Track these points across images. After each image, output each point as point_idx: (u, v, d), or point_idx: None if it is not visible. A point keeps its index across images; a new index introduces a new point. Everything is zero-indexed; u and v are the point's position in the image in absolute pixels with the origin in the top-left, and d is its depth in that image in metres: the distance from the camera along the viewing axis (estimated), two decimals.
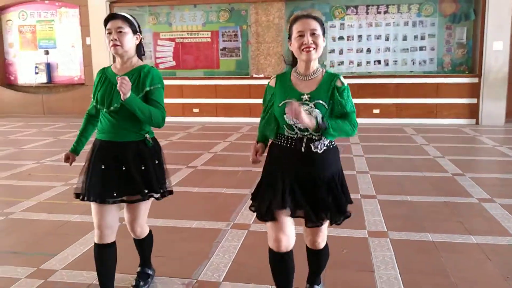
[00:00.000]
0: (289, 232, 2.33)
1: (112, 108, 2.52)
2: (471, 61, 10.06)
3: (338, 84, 2.29)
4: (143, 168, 2.58)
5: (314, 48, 2.24)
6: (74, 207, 4.59)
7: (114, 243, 2.63)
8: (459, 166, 6.06)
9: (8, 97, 12.36)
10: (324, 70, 2.36)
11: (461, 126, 9.57)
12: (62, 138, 8.92)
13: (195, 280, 3.05)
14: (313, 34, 2.23)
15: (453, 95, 9.93)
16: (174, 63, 11.55)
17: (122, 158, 2.56)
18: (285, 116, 2.26)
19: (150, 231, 2.95)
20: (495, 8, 9.42)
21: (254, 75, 10.88)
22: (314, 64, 2.32)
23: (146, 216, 2.82)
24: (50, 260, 3.39)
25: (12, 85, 12.52)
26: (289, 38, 2.33)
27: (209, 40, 11.31)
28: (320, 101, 2.25)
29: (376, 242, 3.61)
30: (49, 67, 12.22)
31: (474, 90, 9.81)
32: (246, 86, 10.72)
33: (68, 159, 2.74)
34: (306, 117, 2.12)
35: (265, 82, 2.57)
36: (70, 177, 5.64)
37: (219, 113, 10.91)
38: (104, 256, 2.61)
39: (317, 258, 2.60)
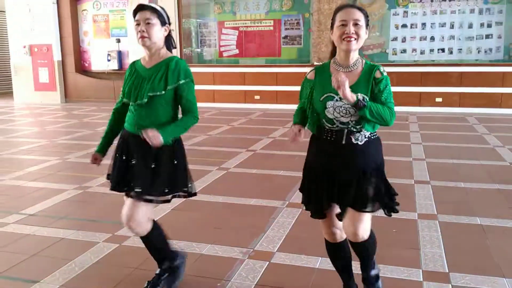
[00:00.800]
0: (340, 225, 2.42)
1: (139, 102, 2.49)
2: None
3: (377, 75, 2.25)
4: (153, 166, 2.52)
5: (355, 39, 2.20)
6: None
7: (150, 233, 2.66)
8: None
9: (83, 83, 13.24)
10: (364, 61, 2.31)
11: None
12: None
13: (252, 250, 3.35)
14: (356, 24, 2.19)
15: None
16: (237, 51, 11.90)
17: (137, 152, 2.54)
18: (325, 110, 2.26)
19: (153, 226, 2.72)
20: None
21: (315, 63, 11.01)
22: (354, 55, 2.28)
23: (146, 214, 2.63)
24: (125, 228, 3.80)
25: (86, 71, 13.39)
26: (331, 27, 2.30)
27: (271, 28, 11.56)
28: (360, 95, 2.18)
29: (424, 223, 3.76)
30: (120, 55, 12.94)
31: None
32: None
33: (96, 159, 2.72)
34: (349, 90, 2.10)
35: None
36: None
37: (279, 100, 11.17)
38: (147, 244, 2.74)
39: (362, 250, 2.43)
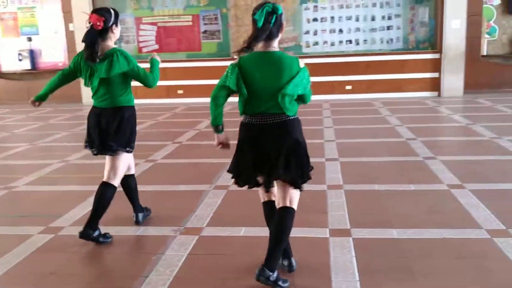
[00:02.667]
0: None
1: None
2: (433, 39, 10.83)
3: None
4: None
5: None
6: (72, 179, 5.29)
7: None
8: (413, 132, 6.84)
9: None
10: None
11: (424, 99, 10.36)
12: (51, 122, 9.40)
13: (183, 227, 3.73)
14: None
15: (418, 70, 10.73)
16: (157, 46, 12.04)
17: None
18: None
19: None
20: None
21: (235, 57, 11.37)
22: None
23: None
24: (57, 220, 3.97)
25: None
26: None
27: (190, 23, 11.81)
28: None
29: (332, 193, 4.36)
30: (32, 54, 12.41)
31: (436, 65, 10.60)
32: (228, 67, 11.25)
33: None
34: None
35: None
36: (65, 155, 6.28)
37: (202, 93, 11.45)
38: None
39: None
